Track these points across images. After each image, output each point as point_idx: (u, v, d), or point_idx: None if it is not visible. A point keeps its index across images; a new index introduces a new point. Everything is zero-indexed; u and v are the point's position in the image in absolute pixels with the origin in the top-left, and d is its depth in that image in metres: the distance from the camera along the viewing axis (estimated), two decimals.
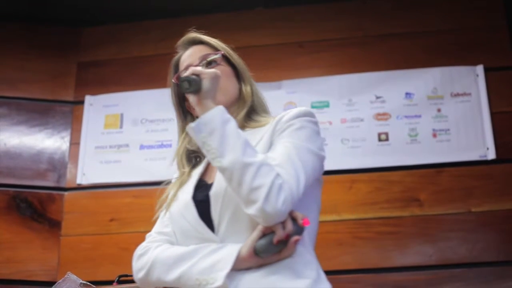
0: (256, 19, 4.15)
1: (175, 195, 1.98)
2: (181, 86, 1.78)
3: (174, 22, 4.19)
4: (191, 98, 1.83)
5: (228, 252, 1.72)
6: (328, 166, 3.78)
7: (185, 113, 2.17)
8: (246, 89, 2.11)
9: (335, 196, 3.66)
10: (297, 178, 1.72)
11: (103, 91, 4.10)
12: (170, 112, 3.97)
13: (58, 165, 3.97)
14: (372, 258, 3.55)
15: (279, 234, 1.69)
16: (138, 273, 1.89)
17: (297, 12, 4.09)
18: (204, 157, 2.03)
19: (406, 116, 3.77)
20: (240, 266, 1.71)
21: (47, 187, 3.92)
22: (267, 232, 1.71)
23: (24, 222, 3.82)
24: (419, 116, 3.76)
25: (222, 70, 2.00)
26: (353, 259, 3.56)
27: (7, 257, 3.75)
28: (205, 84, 1.79)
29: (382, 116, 3.79)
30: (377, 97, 3.83)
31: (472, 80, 3.77)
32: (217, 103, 1.83)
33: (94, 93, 4.10)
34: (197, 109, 1.80)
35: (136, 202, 3.83)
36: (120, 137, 4.00)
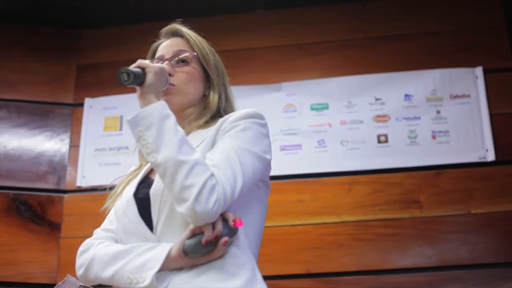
0: (256, 21, 4.15)
1: (121, 191, 1.98)
2: (118, 77, 1.78)
3: None
4: (137, 91, 1.84)
5: (158, 252, 1.72)
6: (327, 168, 3.82)
7: None
8: (214, 97, 2.08)
9: (334, 198, 3.66)
10: (233, 180, 1.71)
11: (103, 94, 4.10)
12: None
13: (57, 167, 3.97)
14: (372, 260, 3.55)
15: (208, 234, 1.67)
16: (78, 269, 1.89)
17: (296, 14, 4.10)
18: None
19: (405, 118, 3.77)
20: (171, 266, 1.71)
21: (47, 189, 3.92)
22: (197, 232, 1.70)
23: (24, 224, 3.82)
24: (419, 118, 3.76)
25: (189, 70, 2.02)
26: (353, 260, 3.56)
27: (7, 260, 3.75)
28: (149, 77, 1.80)
29: (381, 118, 3.79)
30: (377, 99, 3.83)
31: (472, 81, 3.77)
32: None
33: (93, 95, 4.10)
34: (139, 102, 1.81)
35: None
36: (120, 139, 4.00)
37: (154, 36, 4.18)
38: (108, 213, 2.06)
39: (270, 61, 3.99)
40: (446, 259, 3.48)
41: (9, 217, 3.83)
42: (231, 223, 1.70)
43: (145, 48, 4.17)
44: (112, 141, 4.00)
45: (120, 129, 4.01)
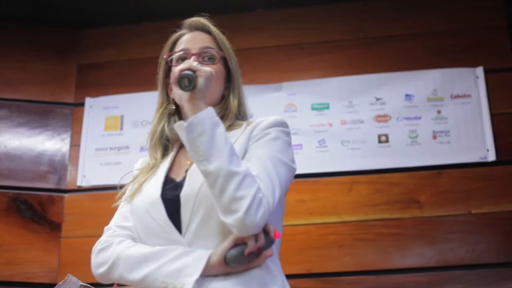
0: (257, 21, 4.15)
1: (139, 187, 1.94)
2: (179, 82, 1.74)
3: (174, 24, 4.15)
4: (179, 92, 1.81)
5: (197, 258, 1.71)
6: (328, 168, 3.82)
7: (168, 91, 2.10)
8: (234, 99, 2.04)
9: (335, 198, 3.66)
10: (273, 192, 1.73)
11: (103, 93, 4.11)
12: None
13: (58, 167, 3.97)
14: (372, 260, 3.55)
15: (252, 246, 1.69)
16: (98, 268, 1.87)
17: (297, 14, 4.10)
18: (174, 148, 2.02)
19: (406, 118, 3.77)
20: (207, 273, 1.70)
21: (48, 189, 3.92)
22: (239, 242, 1.71)
23: (25, 224, 3.82)
24: (419, 118, 3.76)
25: (216, 70, 1.96)
26: (353, 260, 3.56)
27: (7, 259, 3.75)
28: (200, 82, 1.75)
29: (382, 118, 3.79)
30: (377, 99, 3.83)
31: (472, 81, 3.77)
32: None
33: (94, 95, 4.10)
34: (185, 106, 1.76)
35: None
36: (121, 139, 4.00)
37: (155, 36, 4.17)
38: (116, 205, 2.04)
39: (271, 61, 3.99)
40: (446, 259, 3.48)
41: (10, 216, 3.83)
42: (272, 235, 1.73)
43: (145, 48, 4.20)
44: (112, 141, 4.00)
45: (121, 129, 4.02)
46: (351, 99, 3.85)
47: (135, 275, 1.76)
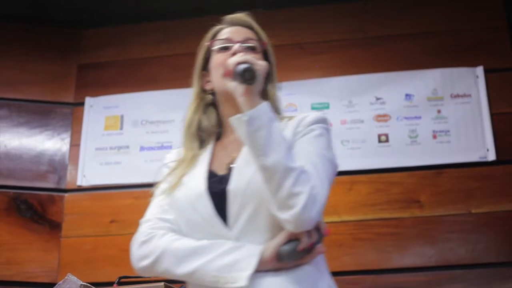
0: (257, 20, 4.13)
1: (179, 180, 1.90)
2: (241, 75, 1.71)
3: (174, 24, 4.20)
4: (232, 85, 1.77)
5: (249, 252, 1.70)
6: None
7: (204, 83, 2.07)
8: (274, 93, 2.05)
9: (335, 198, 3.65)
10: (325, 188, 1.74)
11: (104, 93, 4.11)
12: (170, 114, 4.02)
13: (58, 166, 3.97)
14: (372, 259, 3.55)
15: (305, 242, 1.69)
16: (141, 261, 1.82)
17: (297, 14, 4.10)
18: (211, 141, 1.99)
19: (406, 118, 3.77)
20: (259, 268, 1.68)
21: (48, 188, 3.92)
22: (292, 238, 1.70)
23: (25, 223, 3.82)
24: (419, 118, 3.76)
25: (259, 58, 1.92)
26: (353, 260, 3.56)
27: (7, 259, 3.75)
28: (259, 76, 1.74)
29: (382, 118, 3.79)
30: (377, 99, 3.83)
31: (472, 81, 3.77)
32: None
33: (94, 94, 4.10)
34: (240, 99, 1.73)
35: (137, 204, 3.82)
36: (120, 138, 4.00)
37: (155, 36, 4.22)
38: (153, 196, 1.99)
39: None
40: (446, 259, 3.48)
41: (10, 216, 3.83)
42: (323, 231, 1.74)
43: (145, 48, 4.20)
44: (112, 140, 4.00)
45: (121, 128, 4.02)
46: (351, 99, 3.85)
47: (183, 269, 1.74)
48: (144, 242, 1.84)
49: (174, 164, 2.00)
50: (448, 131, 3.71)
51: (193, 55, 4.31)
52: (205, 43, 2.09)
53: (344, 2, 4.07)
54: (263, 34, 2.09)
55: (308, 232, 1.70)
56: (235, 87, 1.75)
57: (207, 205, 1.79)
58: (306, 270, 1.73)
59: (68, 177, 3.95)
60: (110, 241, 3.78)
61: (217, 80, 1.96)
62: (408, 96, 3.80)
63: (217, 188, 1.81)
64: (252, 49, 1.98)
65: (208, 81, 2.04)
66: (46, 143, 4.02)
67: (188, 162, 1.94)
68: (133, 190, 3.87)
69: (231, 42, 1.99)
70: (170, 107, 3.99)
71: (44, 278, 3.72)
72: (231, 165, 1.85)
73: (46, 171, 3.96)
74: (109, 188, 3.92)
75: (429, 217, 3.57)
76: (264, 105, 1.71)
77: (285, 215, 1.65)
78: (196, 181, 1.86)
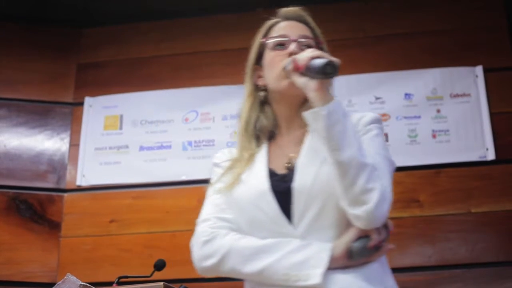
0: (257, 20, 4.13)
1: (238, 178, 1.88)
2: (325, 68, 1.67)
3: (173, 24, 4.19)
4: (302, 80, 1.74)
5: (319, 250, 1.69)
6: None
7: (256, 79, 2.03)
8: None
9: None
10: (390, 186, 1.75)
11: (103, 93, 4.11)
12: (170, 113, 4.02)
13: (57, 166, 3.97)
14: None
15: (376, 239, 1.69)
16: (204, 260, 1.81)
17: None
18: (265, 139, 1.96)
19: (405, 117, 3.77)
20: (329, 265, 1.67)
21: (47, 188, 3.92)
22: (362, 235, 1.70)
23: (24, 223, 3.82)
24: (419, 117, 3.75)
25: None
26: None
27: (7, 259, 3.75)
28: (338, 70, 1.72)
29: (381, 117, 3.79)
30: (377, 98, 3.83)
31: (472, 81, 3.77)
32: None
33: (93, 94, 4.10)
34: (312, 94, 1.71)
35: (136, 204, 3.83)
36: (120, 138, 4.00)
37: (154, 35, 4.21)
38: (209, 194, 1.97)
39: None
40: (446, 258, 3.48)
41: (9, 216, 3.83)
42: (390, 229, 1.75)
43: (145, 47, 4.20)
44: (112, 140, 4.00)
45: (120, 128, 4.01)
46: (351, 98, 3.85)
47: (251, 268, 1.73)
48: (207, 242, 1.81)
49: (228, 163, 1.97)
50: (448, 130, 3.71)
51: (193, 54, 4.33)
52: (259, 37, 2.06)
53: (344, 2, 4.07)
54: (318, 31, 2.05)
55: (377, 229, 1.71)
56: (306, 82, 1.73)
57: (271, 203, 1.77)
58: (373, 268, 1.73)
59: (68, 177, 3.95)
60: (110, 241, 3.78)
61: (272, 77, 1.93)
62: (407, 95, 3.80)
63: (281, 187, 1.79)
64: (308, 47, 1.92)
65: (260, 77, 2.00)
66: (46, 143, 4.02)
67: (246, 161, 1.91)
68: (133, 190, 3.88)
69: (286, 39, 1.96)
70: (170, 107, 3.99)
71: (43, 278, 3.72)
72: (289, 164, 1.85)
73: (45, 171, 3.96)
74: (109, 188, 3.92)
75: (428, 216, 3.57)
76: (338, 101, 1.70)
77: (357, 211, 1.65)
78: (258, 179, 1.84)
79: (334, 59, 1.71)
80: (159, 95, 4.03)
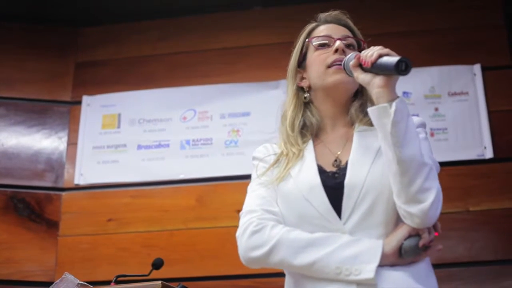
0: (254, 18, 4.14)
1: (287, 172, 1.90)
2: (399, 65, 1.69)
3: (171, 22, 4.19)
4: (366, 78, 1.77)
5: (371, 246, 1.71)
6: None
7: (298, 81, 2.07)
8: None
9: None
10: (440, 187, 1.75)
11: (101, 91, 4.10)
12: (168, 112, 4.01)
13: (55, 165, 3.97)
14: None
15: (427, 238, 1.71)
16: (252, 251, 1.80)
17: (294, 12, 4.08)
18: (310, 137, 1.98)
19: None
20: (380, 262, 1.69)
21: (45, 187, 3.91)
22: (413, 234, 1.72)
23: (22, 222, 3.82)
24: (417, 115, 3.73)
25: None
26: None
27: (4, 258, 3.75)
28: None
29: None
30: None
31: (470, 79, 3.77)
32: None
33: (91, 93, 4.10)
34: (377, 91, 1.75)
35: (134, 202, 3.83)
36: (118, 137, 3.99)
37: (152, 34, 4.21)
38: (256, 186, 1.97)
39: (268, 59, 3.98)
40: (444, 257, 3.48)
41: (7, 215, 3.83)
42: (439, 230, 1.77)
43: (143, 46, 4.19)
44: (110, 139, 3.99)
45: (118, 127, 4.01)
46: None
47: (302, 260, 1.74)
48: (256, 232, 1.81)
49: (273, 157, 1.99)
50: (446, 129, 3.70)
51: (190, 53, 4.32)
52: (299, 41, 2.11)
53: (341, 0, 4.06)
54: (359, 33, 2.12)
55: (428, 229, 1.73)
56: (371, 78, 1.76)
57: (323, 198, 1.80)
58: (421, 267, 1.76)
59: (66, 175, 3.95)
60: (108, 239, 3.78)
61: (317, 75, 1.97)
62: (405, 94, 3.79)
63: (331, 183, 1.82)
64: (351, 47, 2.00)
65: (303, 78, 2.05)
66: (44, 141, 4.01)
67: (295, 156, 1.93)
68: (131, 189, 3.88)
69: (331, 38, 2.00)
70: (168, 106, 3.99)
71: (41, 277, 3.71)
72: (336, 161, 1.88)
73: (43, 169, 3.95)
74: (107, 186, 3.91)
75: None
76: (403, 99, 1.73)
77: (413, 209, 1.68)
78: (308, 175, 1.86)
79: (384, 53, 1.75)
80: (156, 93, 4.03)
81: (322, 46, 2.00)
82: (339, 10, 2.17)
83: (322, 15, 2.14)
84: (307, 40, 2.06)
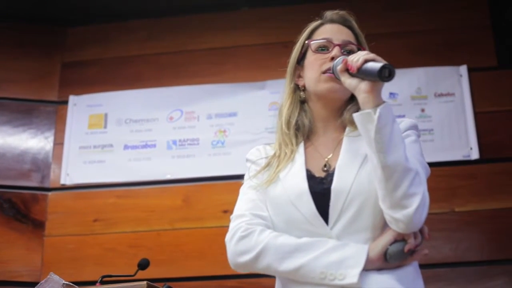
0: (241, 19, 4.14)
1: (276, 175, 1.90)
2: (382, 71, 1.70)
3: (159, 22, 4.18)
4: (352, 82, 1.76)
5: (356, 251, 1.72)
6: None
7: (296, 78, 2.07)
8: None
9: None
10: (427, 192, 1.76)
11: (87, 91, 4.09)
12: (154, 112, 4.01)
13: (41, 165, 3.95)
14: None
15: (412, 243, 1.72)
16: (240, 256, 1.81)
17: (282, 12, 4.09)
18: (302, 140, 1.98)
19: None
20: (365, 267, 1.70)
21: (31, 187, 3.90)
22: (399, 239, 1.73)
23: (8, 222, 3.80)
24: (403, 116, 3.73)
25: None
26: None
27: None
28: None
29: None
30: None
31: (456, 80, 3.78)
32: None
33: (78, 93, 4.08)
34: (362, 96, 1.74)
35: (120, 202, 3.82)
36: (104, 137, 3.98)
37: (139, 34, 4.20)
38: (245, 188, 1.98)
39: (255, 59, 3.99)
40: (430, 257, 3.44)
41: None
42: (426, 235, 1.78)
43: (130, 46, 4.18)
44: (96, 139, 3.98)
45: (105, 127, 4.00)
46: None
47: (288, 265, 1.75)
48: (243, 237, 1.82)
49: (264, 160, 1.99)
50: (432, 129, 3.71)
51: (177, 53, 4.32)
52: (302, 37, 2.10)
53: (329, 1, 4.06)
54: (362, 37, 2.08)
55: (414, 234, 1.73)
56: (357, 84, 1.76)
57: (309, 205, 1.80)
58: (408, 271, 1.76)
59: (52, 175, 3.94)
60: (94, 240, 3.77)
61: (311, 79, 1.97)
62: (392, 94, 3.80)
63: (319, 188, 1.82)
64: (351, 53, 1.94)
65: (300, 76, 2.05)
66: (30, 141, 4.00)
67: (287, 158, 1.93)
68: (117, 189, 3.87)
69: (329, 42, 1.98)
70: (154, 106, 3.98)
71: (27, 277, 3.70)
72: (325, 166, 1.88)
73: (29, 169, 3.94)
74: (93, 187, 3.90)
75: None
76: (388, 104, 1.71)
77: (397, 215, 1.68)
78: (296, 179, 1.87)
79: (371, 58, 1.75)
80: (143, 94, 4.02)
81: (321, 49, 1.99)
82: (339, 10, 2.14)
83: (328, 13, 2.11)
84: (306, 41, 2.05)
